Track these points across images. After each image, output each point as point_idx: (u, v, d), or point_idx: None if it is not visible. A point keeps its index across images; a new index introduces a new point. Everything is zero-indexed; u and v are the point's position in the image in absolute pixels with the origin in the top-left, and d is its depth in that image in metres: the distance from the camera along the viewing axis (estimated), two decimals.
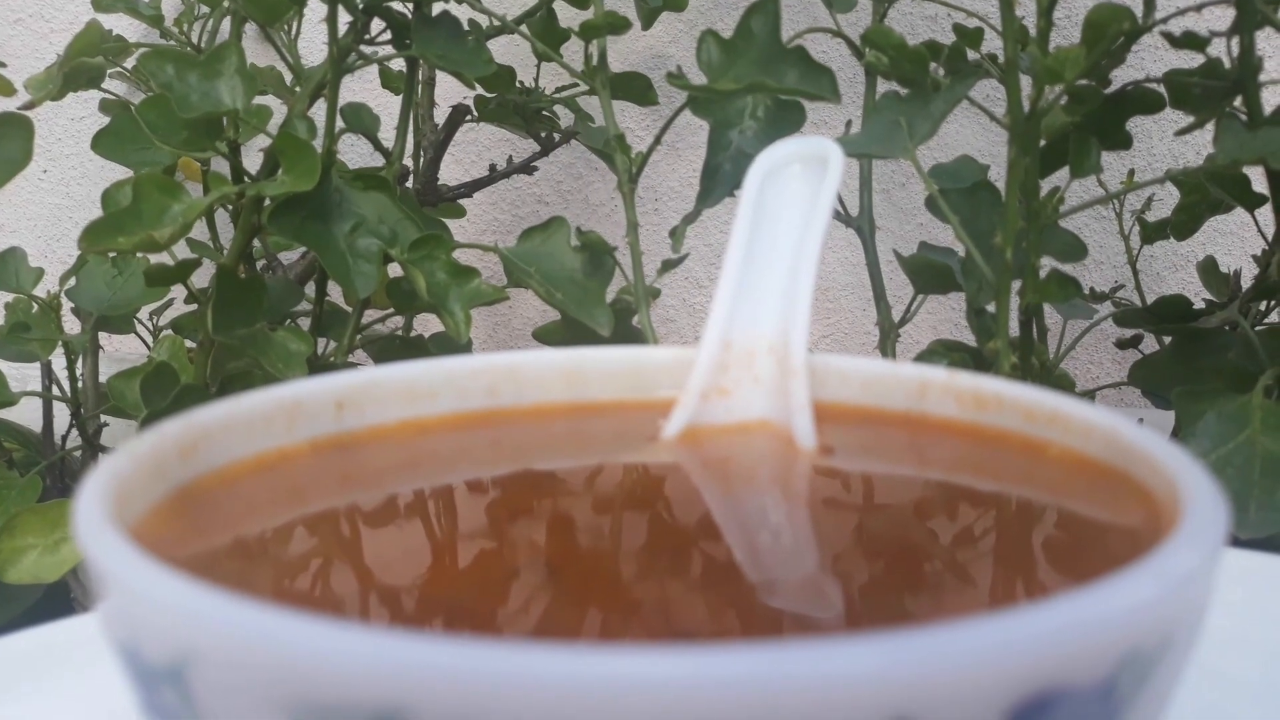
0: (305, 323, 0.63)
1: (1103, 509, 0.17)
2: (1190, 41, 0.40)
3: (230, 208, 0.54)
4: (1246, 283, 0.69)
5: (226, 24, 0.69)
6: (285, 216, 0.44)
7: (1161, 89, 0.44)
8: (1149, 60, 0.74)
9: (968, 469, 0.20)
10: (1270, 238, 0.57)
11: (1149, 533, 0.15)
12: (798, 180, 0.27)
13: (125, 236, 0.40)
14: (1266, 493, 0.34)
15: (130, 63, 0.79)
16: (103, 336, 0.70)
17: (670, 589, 0.17)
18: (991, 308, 0.41)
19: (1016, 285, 0.42)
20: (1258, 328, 0.57)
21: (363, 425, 0.22)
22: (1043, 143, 0.42)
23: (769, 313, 0.24)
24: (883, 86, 0.52)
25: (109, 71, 0.76)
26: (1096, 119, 0.46)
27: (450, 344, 0.58)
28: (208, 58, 0.45)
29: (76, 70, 0.62)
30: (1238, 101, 0.39)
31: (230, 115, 0.44)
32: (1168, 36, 0.41)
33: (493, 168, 0.73)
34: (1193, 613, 0.11)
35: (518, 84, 0.67)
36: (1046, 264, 0.47)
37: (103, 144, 0.61)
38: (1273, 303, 0.56)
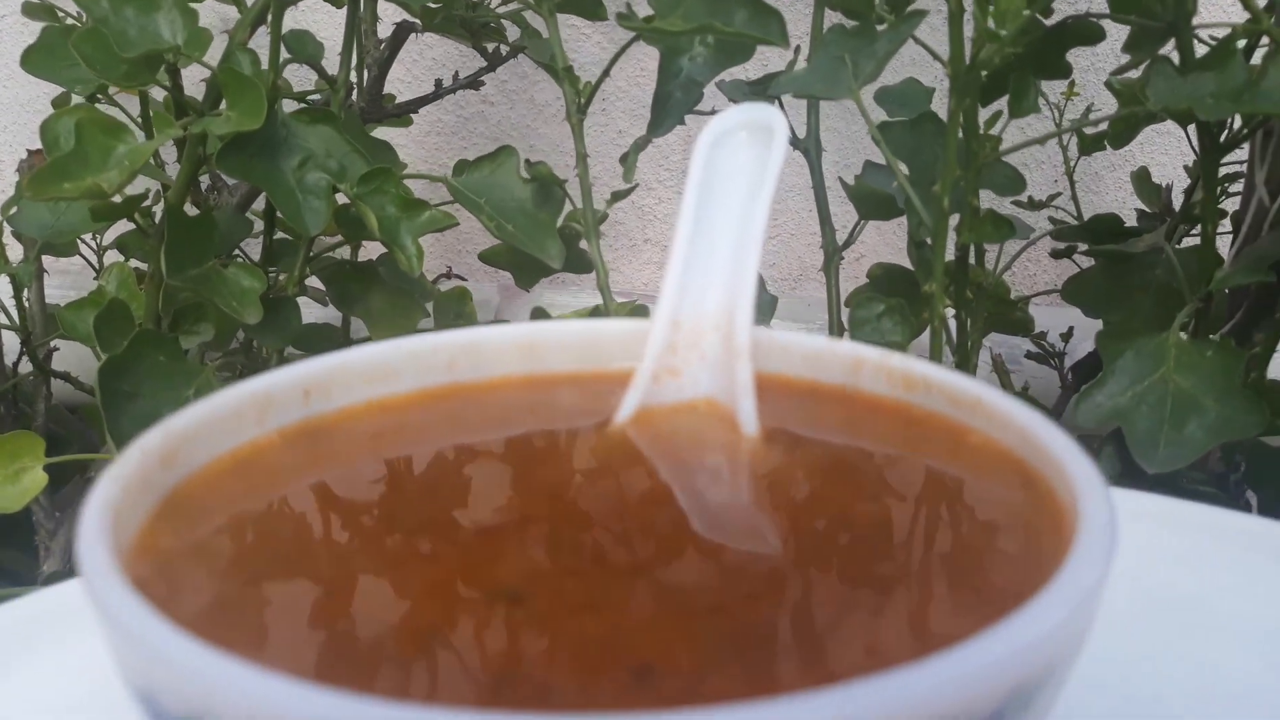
0: (253, 247, 0.63)
1: (1011, 506, 0.19)
2: None
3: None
4: (1177, 196, 0.71)
5: None
6: (232, 155, 0.44)
7: (1100, 26, 0.45)
8: None
9: (894, 453, 0.22)
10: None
11: (1050, 540, 0.17)
12: (744, 149, 0.28)
13: (71, 183, 0.40)
14: (1175, 429, 0.37)
15: None
16: (46, 258, 0.69)
17: (616, 587, 0.18)
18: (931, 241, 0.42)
19: (955, 220, 0.43)
20: (1184, 242, 0.59)
21: (330, 409, 0.24)
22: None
23: (715, 290, 0.26)
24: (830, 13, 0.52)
25: None
26: (1038, 50, 0.47)
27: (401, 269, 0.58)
28: None
29: None
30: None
31: (171, 51, 0.43)
32: None
33: (439, 83, 0.72)
34: (1072, 643, 0.13)
35: None
36: (985, 195, 0.49)
37: (33, 61, 0.60)
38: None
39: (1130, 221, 0.69)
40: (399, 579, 0.18)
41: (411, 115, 0.78)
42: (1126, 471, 0.38)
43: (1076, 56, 0.52)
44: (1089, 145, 0.70)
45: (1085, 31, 0.48)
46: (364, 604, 0.17)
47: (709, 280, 0.26)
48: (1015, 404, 0.20)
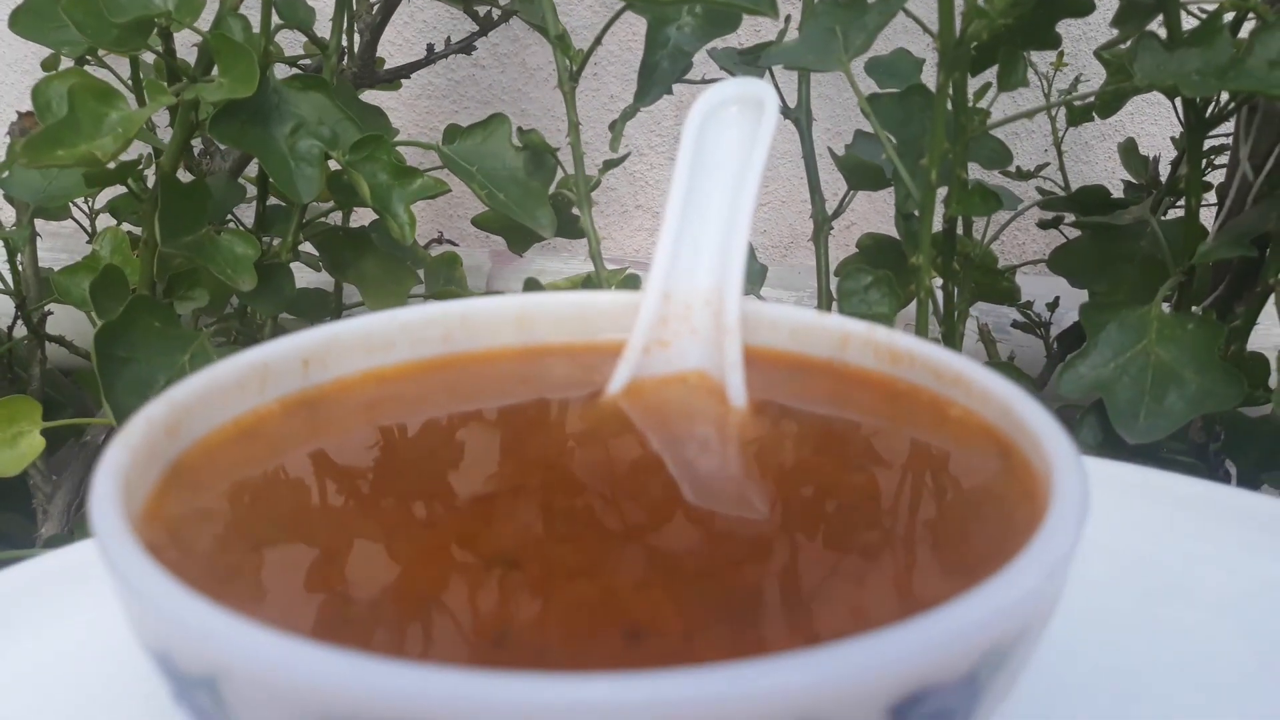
0: (245, 212, 0.63)
1: (989, 477, 0.20)
2: None
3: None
4: (1164, 167, 0.71)
5: None
6: (225, 122, 0.44)
7: None
8: None
9: (879, 425, 0.23)
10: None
11: (1025, 510, 0.17)
12: (734, 125, 0.28)
13: (65, 150, 0.40)
14: (1156, 400, 0.38)
15: None
16: (37, 221, 0.69)
17: (608, 553, 0.19)
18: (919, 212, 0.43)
19: (942, 192, 0.44)
20: (1170, 213, 0.60)
21: (328, 379, 0.24)
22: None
23: (706, 265, 0.26)
24: None
25: None
26: (1028, 21, 0.48)
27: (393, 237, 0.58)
28: None
29: None
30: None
31: (162, 16, 0.43)
32: None
33: (430, 48, 0.72)
34: (1043, 608, 0.14)
35: None
36: (973, 166, 0.49)
37: (21, 23, 0.59)
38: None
39: (1118, 191, 0.69)
40: (398, 545, 0.19)
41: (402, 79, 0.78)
42: (1107, 441, 0.39)
43: (1066, 26, 0.52)
44: (1077, 116, 0.70)
45: (1074, 3, 0.48)
46: (366, 569, 0.18)
47: (700, 254, 0.26)
48: (995, 378, 0.21)
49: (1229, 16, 0.42)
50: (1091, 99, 0.52)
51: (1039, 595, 0.14)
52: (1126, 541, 0.29)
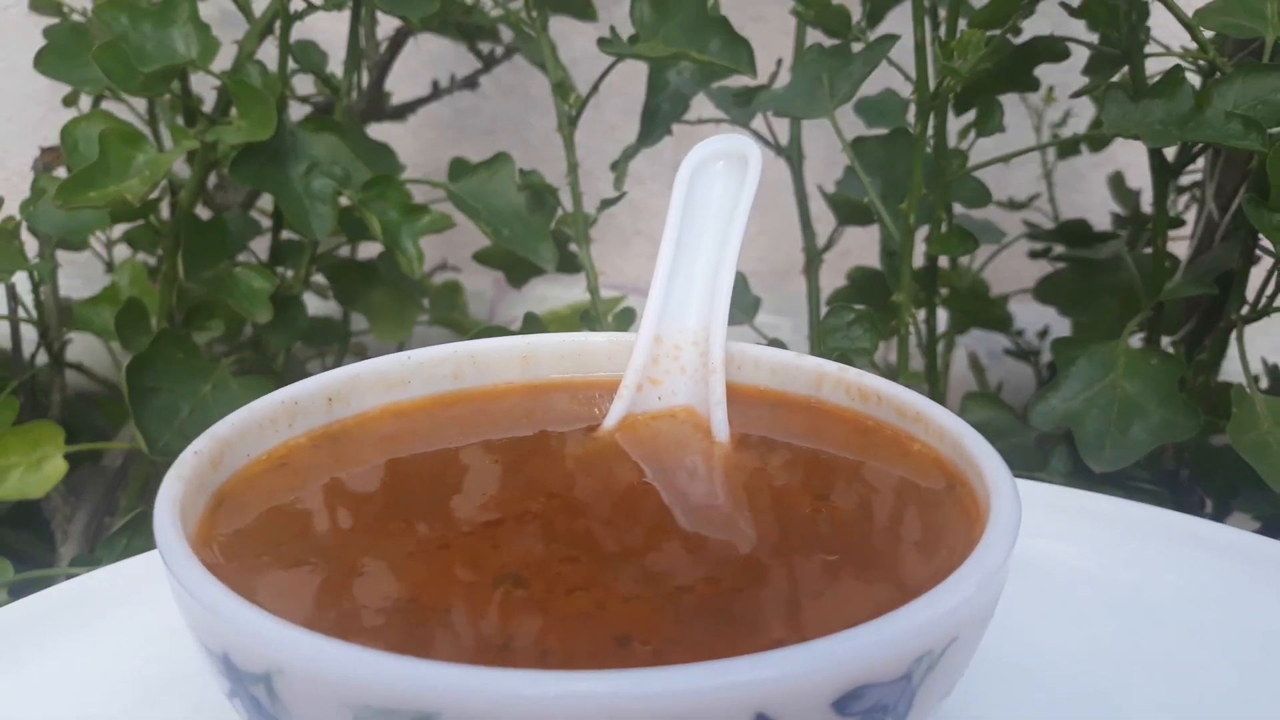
0: (260, 241, 0.66)
1: (940, 506, 0.22)
2: (1088, 11, 0.44)
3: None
4: (1148, 200, 0.74)
5: None
6: (245, 164, 0.46)
7: (1065, 45, 0.48)
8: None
9: (847, 458, 0.25)
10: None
11: (965, 534, 0.20)
12: (721, 179, 0.31)
13: (97, 191, 0.42)
14: (1121, 431, 0.40)
15: None
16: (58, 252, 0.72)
17: (602, 571, 0.21)
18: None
19: (925, 229, 0.46)
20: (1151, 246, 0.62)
21: (350, 415, 0.27)
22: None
23: (694, 309, 0.29)
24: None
25: None
26: (1007, 67, 0.50)
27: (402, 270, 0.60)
28: (161, 7, 0.46)
29: None
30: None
31: (187, 65, 0.46)
32: (1065, 6, 0.44)
33: (435, 85, 0.74)
34: (973, 618, 0.16)
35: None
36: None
37: (46, 63, 0.62)
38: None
39: (1109, 220, 0.72)
40: (417, 563, 0.21)
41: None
42: (1077, 470, 0.41)
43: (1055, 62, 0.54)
44: (1066, 150, 0.73)
45: (1051, 50, 0.51)
46: (389, 584, 0.20)
47: (689, 299, 0.29)
48: (950, 416, 0.23)
49: (1201, 61, 0.45)
50: (1079, 134, 0.54)
51: (968, 606, 0.16)
52: (1117, 574, 0.30)
